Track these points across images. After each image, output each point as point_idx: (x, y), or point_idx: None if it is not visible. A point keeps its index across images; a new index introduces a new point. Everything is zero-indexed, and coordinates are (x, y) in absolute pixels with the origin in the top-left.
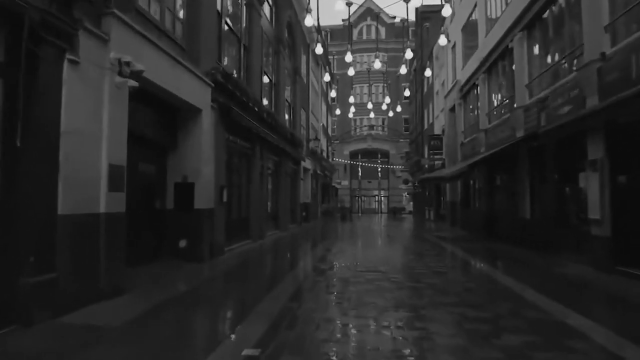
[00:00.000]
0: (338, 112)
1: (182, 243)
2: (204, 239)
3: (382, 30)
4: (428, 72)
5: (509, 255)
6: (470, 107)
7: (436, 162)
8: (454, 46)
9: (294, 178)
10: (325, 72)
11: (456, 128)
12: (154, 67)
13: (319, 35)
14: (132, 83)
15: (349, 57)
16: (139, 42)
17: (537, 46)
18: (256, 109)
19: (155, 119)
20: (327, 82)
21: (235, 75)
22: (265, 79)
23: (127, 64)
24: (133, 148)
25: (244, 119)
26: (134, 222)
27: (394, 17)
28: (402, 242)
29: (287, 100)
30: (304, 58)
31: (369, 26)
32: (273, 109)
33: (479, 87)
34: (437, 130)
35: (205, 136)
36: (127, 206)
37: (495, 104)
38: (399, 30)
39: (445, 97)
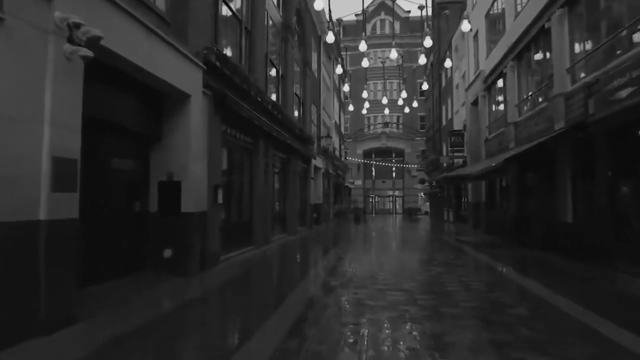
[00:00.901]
0: (351, 108)
1: (167, 253)
2: (193, 248)
3: (397, 24)
4: (448, 63)
5: (552, 266)
6: (496, 99)
7: (456, 160)
8: (476, 35)
9: (304, 177)
10: (338, 64)
11: (479, 123)
12: (124, 38)
13: (330, 23)
14: (85, 52)
15: (363, 46)
16: (101, 4)
17: (582, 23)
18: (259, 99)
19: (136, 105)
20: (339, 76)
21: (234, 61)
22: (272, 71)
23: (78, 26)
24: (105, 139)
25: (243, 108)
26: (104, 229)
27: (409, 12)
28: (423, 248)
29: (296, 95)
30: (314, 50)
31: (382, 20)
32: (280, 102)
33: (507, 76)
34: (456, 127)
35: (196, 127)
36: (95, 210)
37: (527, 93)
38: (414, 25)
39: (467, 90)
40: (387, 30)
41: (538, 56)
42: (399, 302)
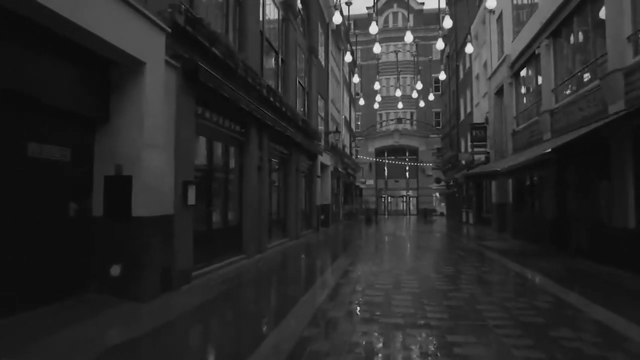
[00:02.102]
0: (362, 102)
1: (115, 270)
2: (151, 263)
3: (410, 17)
4: (469, 48)
5: (615, 283)
6: (526, 85)
7: (477, 157)
8: (499, 17)
9: (309, 176)
10: (347, 51)
11: (504, 114)
12: None
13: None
14: None
15: (373, 28)
16: None
17: None
18: (250, 80)
19: (71, 75)
20: (349, 68)
21: (215, 29)
22: (271, 55)
23: None
24: (22, 120)
25: (225, 87)
26: (23, 240)
27: (422, 3)
28: (445, 257)
29: (300, 84)
30: (322, 38)
31: (395, 13)
32: (281, 90)
33: (540, 58)
34: (477, 120)
35: (153, 105)
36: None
37: (568, 75)
38: (428, 18)
39: (489, 78)
40: (399, 23)
41: (583, 28)
42: (425, 350)
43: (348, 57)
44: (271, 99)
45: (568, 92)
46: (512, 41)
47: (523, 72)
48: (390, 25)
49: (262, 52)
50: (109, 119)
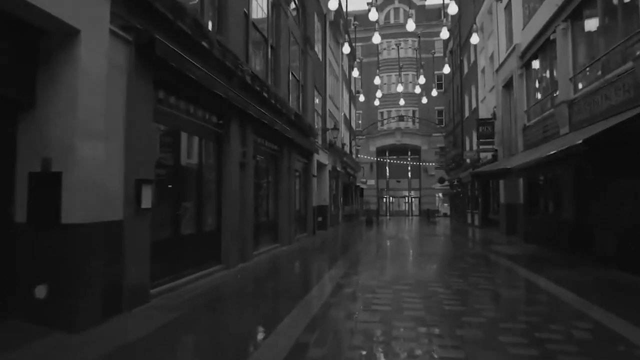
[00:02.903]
0: (362, 98)
1: (39, 291)
2: (87, 282)
3: (412, 13)
4: (475, 39)
5: None
6: (539, 75)
7: (482, 155)
8: (507, 5)
9: (305, 175)
10: (345, 42)
11: (514, 108)
12: None
13: None
14: None
15: (373, 15)
16: None
17: None
18: (229, 64)
19: None
20: (348, 63)
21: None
22: (259, 40)
23: None
24: None
25: (190, 66)
26: None
27: None
28: (454, 266)
29: (294, 76)
30: (318, 29)
31: (396, 9)
32: (271, 80)
33: (556, 43)
34: (483, 116)
35: (91, 83)
36: None
37: (590, 60)
38: (430, 14)
39: (497, 71)
40: (401, 19)
41: (609, 6)
42: None
43: (346, 49)
44: (257, 87)
45: (590, 80)
46: (523, 29)
47: (535, 62)
48: (392, 21)
49: (248, 36)
50: (35, 103)
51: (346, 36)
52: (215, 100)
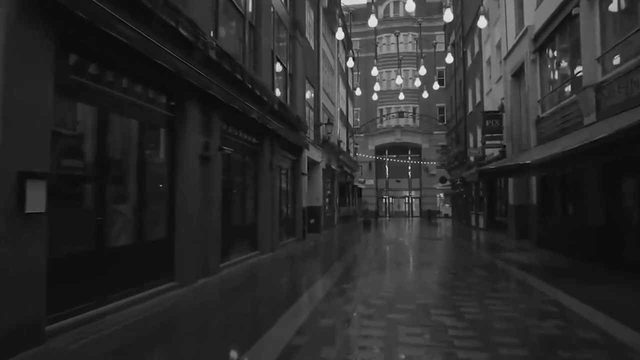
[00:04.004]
0: (359, 92)
1: None
2: None
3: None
4: (482, 22)
5: None
6: (557, 59)
7: (488, 152)
8: None
9: (294, 173)
10: (339, 27)
11: (524, 99)
12: None
13: None
14: None
15: (372, 22)
16: None
17: None
18: (183, 31)
19: None
20: (345, 54)
21: None
22: (232, 14)
23: None
24: None
25: (108, 18)
26: None
27: None
28: (463, 284)
29: (280, 62)
30: (310, 12)
31: (396, 3)
32: (249, 63)
33: (580, 19)
34: (489, 110)
35: None
36: None
37: (622, 35)
38: (431, 7)
39: (505, 59)
40: (401, 13)
41: None
42: None
43: (340, 34)
44: (227, 67)
45: (628, 55)
46: (536, 8)
47: (551, 44)
48: (392, 15)
49: (217, 7)
50: None
51: (340, 20)
52: (163, 75)
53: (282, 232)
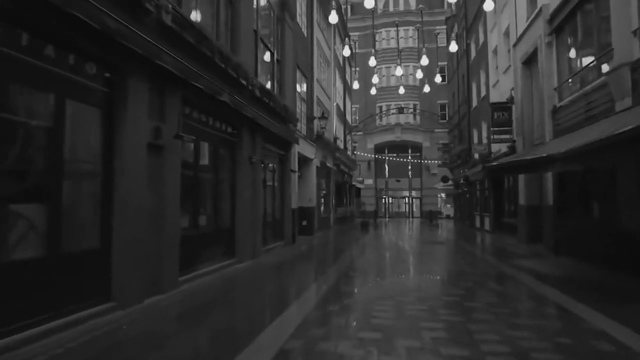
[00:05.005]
0: (356, 86)
1: None
2: None
3: (413, 1)
4: (489, 5)
5: None
6: (578, 38)
7: (494, 149)
8: None
9: (281, 169)
10: (333, 9)
11: (537, 89)
12: None
13: None
14: None
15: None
16: None
17: None
18: None
19: None
20: (342, 44)
21: None
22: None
23: None
24: None
25: None
26: None
27: None
28: (481, 307)
29: (265, 45)
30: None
31: None
32: (225, 41)
33: None
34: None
35: None
36: None
37: None
38: (432, 1)
39: (514, 46)
40: (401, 7)
41: None
42: None
43: (333, 18)
44: (188, 37)
45: None
46: None
47: (571, 23)
48: (391, 9)
49: None
50: None
51: (334, 3)
52: (89, 35)
53: (267, 236)
